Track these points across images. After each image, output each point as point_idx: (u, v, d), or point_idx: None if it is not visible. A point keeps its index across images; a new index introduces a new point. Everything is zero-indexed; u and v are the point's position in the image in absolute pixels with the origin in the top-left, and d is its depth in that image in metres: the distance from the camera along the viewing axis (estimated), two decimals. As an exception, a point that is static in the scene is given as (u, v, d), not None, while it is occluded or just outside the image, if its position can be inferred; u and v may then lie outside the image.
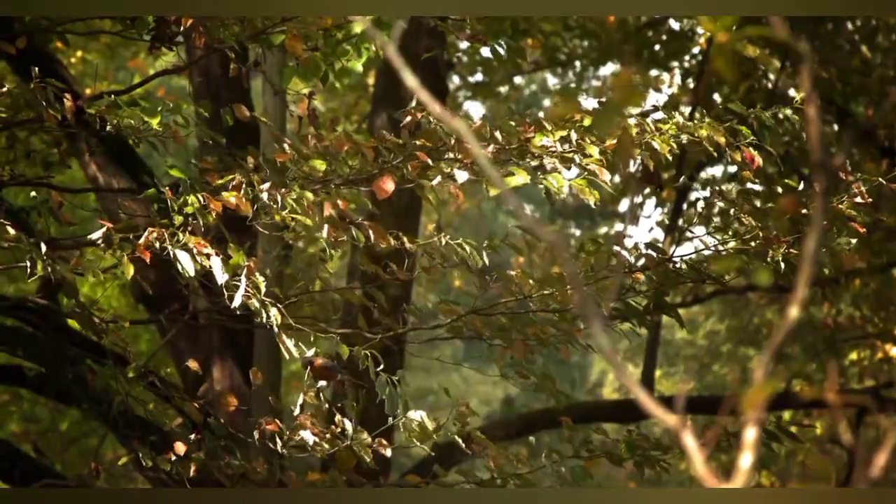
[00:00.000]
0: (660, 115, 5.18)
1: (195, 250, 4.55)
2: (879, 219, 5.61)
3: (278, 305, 4.61)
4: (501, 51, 9.82)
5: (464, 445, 5.03)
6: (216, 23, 5.02)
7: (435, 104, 1.79)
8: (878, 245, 10.97)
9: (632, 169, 5.16)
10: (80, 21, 5.83)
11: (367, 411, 5.07)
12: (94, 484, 5.28)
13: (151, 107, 5.01)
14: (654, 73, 12.01)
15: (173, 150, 5.64)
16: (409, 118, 5.03)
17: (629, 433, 5.53)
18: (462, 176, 4.95)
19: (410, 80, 1.74)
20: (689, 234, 5.50)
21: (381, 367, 4.81)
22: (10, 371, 6.95)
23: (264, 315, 4.56)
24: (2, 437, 7.82)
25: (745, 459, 1.61)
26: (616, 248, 5.22)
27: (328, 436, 4.88)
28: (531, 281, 5.28)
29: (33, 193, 5.24)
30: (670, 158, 5.09)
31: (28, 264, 4.52)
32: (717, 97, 10.97)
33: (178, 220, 4.69)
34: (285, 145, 5.00)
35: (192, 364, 5.39)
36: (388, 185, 4.87)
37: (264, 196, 4.70)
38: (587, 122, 4.99)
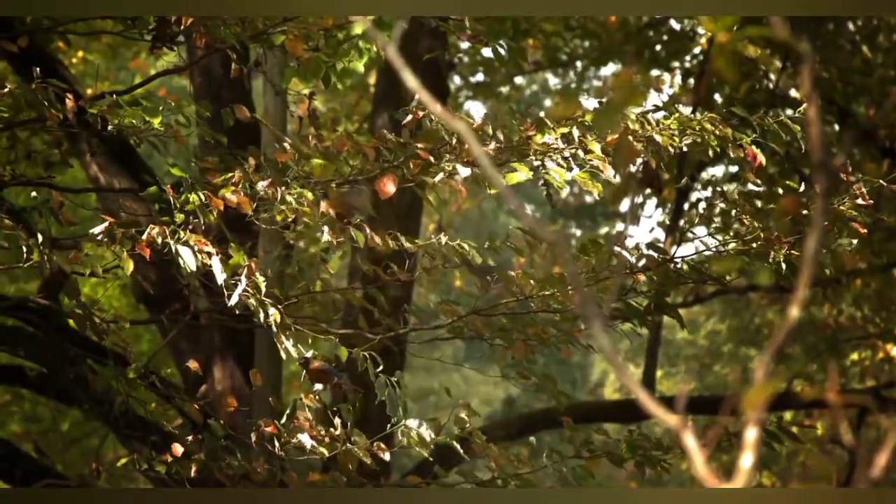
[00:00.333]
0: (662, 113, 5.18)
1: (196, 248, 4.55)
2: (880, 219, 5.60)
3: (277, 306, 4.61)
4: (502, 51, 9.80)
5: (462, 452, 5.03)
6: (217, 23, 5.01)
7: (435, 104, 1.79)
8: (878, 245, 10.96)
9: (632, 169, 5.16)
10: (82, 21, 5.83)
11: (367, 413, 5.06)
12: (95, 484, 5.27)
13: (153, 107, 5.00)
14: (655, 73, 11.99)
15: (174, 151, 5.65)
16: (409, 117, 5.03)
17: (630, 433, 5.53)
18: (465, 171, 4.94)
19: (411, 80, 1.74)
20: (690, 235, 5.49)
21: (381, 368, 4.80)
22: (11, 371, 6.96)
23: (262, 315, 4.56)
24: (3, 437, 7.82)
25: (746, 459, 1.61)
26: (617, 248, 5.22)
27: (326, 439, 4.88)
28: (532, 281, 5.28)
29: (34, 193, 5.24)
30: (672, 152, 5.08)
31: (24, 250, 4.53)
32: (717, 97, 10.96)
33: (180, 217, 4.69)
34: (286, 145, 5.00)
35: (193, 364, 5.39)
36: (390, 186, 4.86)
37: (260, 188, 4.70)
38: (588, 117, 4.98)
